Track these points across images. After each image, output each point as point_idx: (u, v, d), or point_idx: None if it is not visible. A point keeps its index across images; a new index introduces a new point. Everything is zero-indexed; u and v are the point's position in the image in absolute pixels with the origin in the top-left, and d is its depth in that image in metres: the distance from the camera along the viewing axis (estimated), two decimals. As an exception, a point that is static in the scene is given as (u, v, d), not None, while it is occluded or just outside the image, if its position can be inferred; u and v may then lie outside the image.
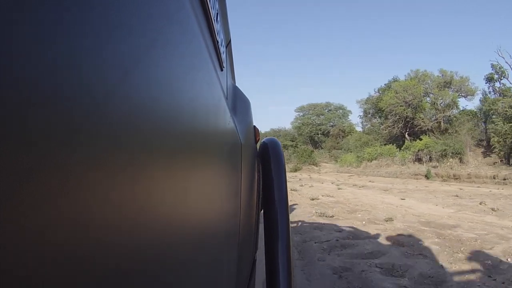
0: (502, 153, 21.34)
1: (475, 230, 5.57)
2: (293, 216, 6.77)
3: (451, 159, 22.27)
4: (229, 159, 0.80)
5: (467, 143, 22.46)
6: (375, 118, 33.55)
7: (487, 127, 25.16)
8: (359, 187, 14.74)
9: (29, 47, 0.15)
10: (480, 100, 27.99)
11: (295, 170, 29.81)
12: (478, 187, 14.86)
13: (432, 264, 4.04)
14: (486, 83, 27.37)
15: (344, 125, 43.49)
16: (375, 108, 33.13)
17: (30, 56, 0.15)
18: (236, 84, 1.74)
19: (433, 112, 30.58)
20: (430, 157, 25.12)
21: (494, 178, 17.54)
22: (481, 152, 24.02)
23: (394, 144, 28.83)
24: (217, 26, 0.82)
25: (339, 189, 13.54)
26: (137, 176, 0.25)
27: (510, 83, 25.43)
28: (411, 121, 31.19)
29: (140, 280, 0.26)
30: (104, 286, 0.21)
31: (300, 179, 19.95)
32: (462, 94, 30.28)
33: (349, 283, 3.48)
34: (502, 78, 25.56)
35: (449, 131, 28.04)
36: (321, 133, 44.79)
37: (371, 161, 28.46)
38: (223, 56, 0.98)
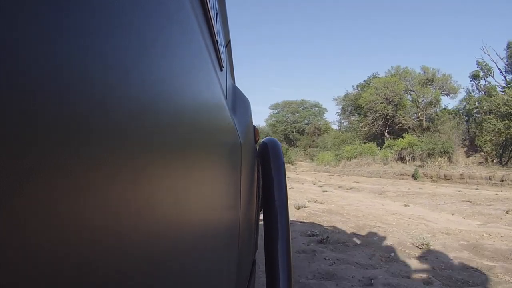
0: (494, 152, 20.74)
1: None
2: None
3: (440, 159, 21.50)
4: (229, 158, 0.80)
5: (456, 141, 19.97)
6: (354, 115, 30.98)
7: (469, 126, 24.67)
8: (347, 189, 13.69)
9: (30, 47, 0.14)
10: (464, 98, 27.78)
11: None
12: (477, 189, 14.10)
13: None
14: (471, 80, 26.75)
15: (319, 123, 42.74)
16: (353, 105, 31.06)
17: (31, 56, 0.14)
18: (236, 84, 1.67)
19: (415, 110, 29.70)
20: (413, 156, 24.24)
21: (490, 179, 16.88)
22: (464, 152, 23.56)
23: (375, 143, 26.00)
24: (216, 26, 0.82)
25: (324, 191, 12.31)
26: (137, 176, 0.25)
27: (496, 81, 24.99)
28: (392, 119, 30.39)
29: (141, 280, 0.27)
30: (104, 286, 0.21)
31: None
32: (445, 92, 29.66)
33: None
34: (488, 76, 25.14)
35: (431, 129, 27.26)
36: (296, 131, 43.93)
37: (350, 159, 27.64)
38: (223, 56, 0.99)
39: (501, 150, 19.99)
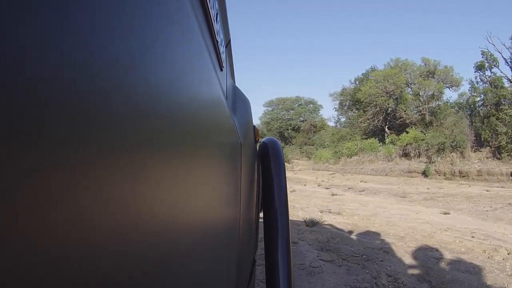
0: (510, 146, 18.42)
1: None
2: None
3: (452, 154, 19.33)
4: (229, 159, 0.80)
5: (469, 135, 17.62)
6: (352, 110, 28.59)
7: (473, 120, 22.53)
8: (359, 191, 11.77)
9: (30, 47, 0.14)
10: (463, 92, 26.06)
11: None
12: (503, 187, 12.47)
13: None
14: (475, 71, 24.52)
15: (315, 120, 41.46)
16: (352, 100, 28.78)
17: (30, 56, 0.14)
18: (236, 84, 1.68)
19: (417, 103, 27.83)
20: (419, 152, 22.14)
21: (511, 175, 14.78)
22: (469, 147, 21.02)
23: (376, 138, 25.33)
24: (217, 26, 0.82)
25: (333, 195, 10.67)
26: (137, 175, 0.25)
27: (501, 71, 23.46)
28: (392, 114, 28.81)
29: (140, 280, 0.27)
30: (103, 286, 0.21)
31: None
32: (447, 85, 27.89)
33: None
34: (493, 66, 23.31)
35: (433, 124, 25.25)
36: (291, 129, 42.71)
37: (351, 157, 25.87)
38: (223, 56, 0.99)
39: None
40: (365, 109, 28.98)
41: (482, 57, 23.51)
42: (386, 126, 28.98)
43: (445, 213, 7.08)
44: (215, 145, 0.63)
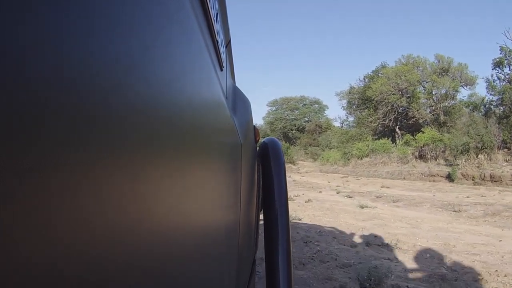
0: None
1: None
2: None
3: (479, 156, 17.28)
4: (229, 159, 0.80)
5: (497, 135, 15.57)
6: (362, 109, 26.32)
7: (487, 120, 20.63)
8: (393, 201, 9.56)
9: (29, 46, 0.14)
10: (486, 88, 23.20)
11: None
12: None
13: None
14: (493, 68, 22.83)
15: (320, 120, 40.07)
16: (361, 98, 26.28)
17: (30, 56, 0.14)
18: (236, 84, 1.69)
19: (430, 102, 26.26)
20: (436, 153, 20.40)
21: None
22: (472, 150, 19.07)
23: (389, 139, 21.58)
24: (217, 26, 0.82)
25: (363, 207, 8.41)
26: (137, 176, 0.26)
27: None
28: (404, 113, 27.27)
29: (140, 280, 0.27)
30: (103, 286, 0.21)
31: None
32: (461, 83, 26.09)
33: None
34: None
35: (447, 124, 23.95)
36: (295, 129, 41.61)
37: (361, 158, 24.14)
38: (223, 56, 0.99)
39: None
40: (376, 108, 27.82)
41: (501, 54, 22.36)
42: (397, 127, 26.55)
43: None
44: (215, 145, 0.64)
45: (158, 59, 0.31)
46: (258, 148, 1.62)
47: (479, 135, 17.63)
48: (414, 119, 26.16)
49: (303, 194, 10.80)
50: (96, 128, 0.19)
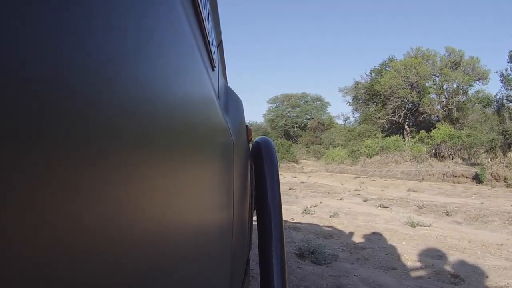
0: None
1: None
2: None
3: (508, 154, 15.19)
4: (222, 158, 0.80)
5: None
6: (368, 105, 24.20)
7: (501, 116, 19.69)
8: (446, 215, 7.11)
9: (26, 47, 0.14)
10: (501, 81, 21.89)
11: None
12: None
13: None
14: (509, 61, 21.46)
15: (323, 117, 38.35)
16: (368, 93, 24.11)
17: (23, 56, 0.14)
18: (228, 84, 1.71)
19: (442, 97, 24.46)
20: (452, 151, 18.44)
21: None
22: (498, 147, 17.05)
23: (400, 136, 19.69)
24: (208, 26, 0.82)
25: (412, 225, 6.03)
26: (130, 176, 0.26)
27: None
28: (415, 108, 25.43)
29: (134, 279, 0.27)
30: (101, 285, 0.21)
31: (290, 188, 12.35)
32: (474, 77, 24.24)
33: None
34: None
35: (460, 121, 22.14)
36: (297, 127, 39.80)
37: (371, 157, 21.96)
38: (215, 56, 1.00)
39: None
40: (384, 103, 26.38)
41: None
42: (406, 123, 24.32)
43: None
44: (208, 145, 0.64)
45: (150, 59, 0.31)
46: (250, 148, 1.63)
47: (507, 132, 15.47)
48: (425, 115, 24.19)
49: (320, 203, 8.91)
50: (88, 128, 0.19)
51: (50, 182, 0.16)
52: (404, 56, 26.55)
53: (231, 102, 1.37)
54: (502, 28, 41.84)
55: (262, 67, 74.98)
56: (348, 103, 32.03)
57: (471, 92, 23.97)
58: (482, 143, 16.10)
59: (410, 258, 4.40)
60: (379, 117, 26.40)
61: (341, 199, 9.73)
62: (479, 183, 13.63)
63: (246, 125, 1.64)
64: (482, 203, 8.71)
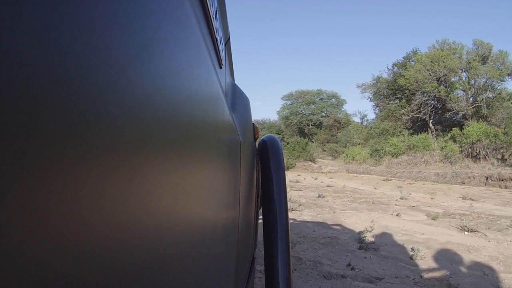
0: None
1: None
2: None
3: None
4: (228, 156, 0.80)
5: None
6: (391, 100, 22.08)
7: None
8: None
9: (26, 46, 0.14)
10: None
11: (287, 168, 20.76)
12: None
13: None
14: None
15: (339, 115, 36.47)
16: (391, 88, 21.79)
17: (27, 55, 0.14)
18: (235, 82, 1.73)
19: (471, 92, 22.15)
20: (487, 152, 16.77)
21: None
22: None
23: (428, 133, 17.84)
24: (216, 24, 0.82)
25: None
26: (136, 174, 0.26)
27: None
28: (441, 105, 23.27)
29: (139, 278, 0.27)
30: (101, 285, 0.21)
31: (319, 195, 9.67)
32: (504, 72, 22.30)
33: None
34: None
35: (488, 118, 20.05)
36: (312, 124, 38.00)
37: (396, 156, 20.31)
38: (222, 54, 1.00)
39: None
40: (409, 99, 24.95)
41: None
42: (431, 121, 22.13)
43: None
44: (214, 143, 0.64)
45: (157, 57, 0.31)
46: (257, 146, 1.61)
47: None
48: (452, 112, 21.94)
49: (373, 223, 6.10)
50: (94, 126, 0.19)
51: (60, 181, 0.16)
52: (428, 49, 24.80)
53: (238, 100, 1.34)
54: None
55: (276, 64, 73.51)
56: (369, 99, 30.70)
57: (500, 88, 21.96)
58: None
59: None
60: (403, 114, 24.90)
61: (397, 215, 6.89)
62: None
63: (253, 123, 1.62)
64: None
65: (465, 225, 5.78)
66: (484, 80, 22.35)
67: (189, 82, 0.44)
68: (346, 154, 24.77)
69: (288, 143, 26.65)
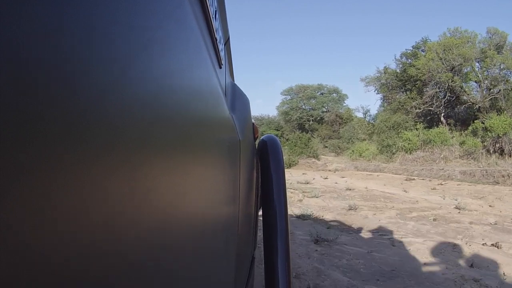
0: None
1: None
2: None
3: None
4: (228, 156, 0.80)
5: None
6: (399, 92, 19.99)
7: None
8: None
9: (26, 45, 0.14)
10: None
11: (289, 166, 19.80)
12: None
13: None
14: None
15: (340, 110, 34.92)
16: (400, 79, 19.64)
17: (28, 55, 0.14)
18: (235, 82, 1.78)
19: (486, 84, 20.30)
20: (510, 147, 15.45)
21: None
22: None
23: (446, 127, 16.01)
24: (215, 24, 0.83)
25: None
26: (136, 173, 0.26)
27: None
28: (455, 96, 21.21)
29: (138, 277, 0.27)
30: (101, 285, 0.21)
31: (350, 207, 6.61)
32: None
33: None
34: None
35: (504, 111, 17.54)
36: (312, 120, 36.35)
37: (411, 152, 18.25)
38: (222, 54, 1.01)
39: None
40: (420, 90, 23.73)
41: None
42: (442, 114, 20.09)
43: None
44: (214, 143, 0.64)
45: (157, 57, 0.31)
46: (257, 145, 1.60)
47: None
48: (467, 104, 19.92)
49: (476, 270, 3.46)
50: (94, 126, 0.19)
51: (60, 181, 0.16)
52: (439, 38, 22.86)
53: (237, 100, 1.33)
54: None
55: (276, 64, 72.13)
56: (376, 91, 29.33)
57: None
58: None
59: None
60: (414, 106, 23.37)
61: (496, 247, 4.11)
62: None
63: (253, 123, 1.60)
64: None
65: None
66: (498, 70, 21.12)
67: (189, 82, 0.44)
68: (352, 150, 23.13)
69: (288, 139, 25.58)
